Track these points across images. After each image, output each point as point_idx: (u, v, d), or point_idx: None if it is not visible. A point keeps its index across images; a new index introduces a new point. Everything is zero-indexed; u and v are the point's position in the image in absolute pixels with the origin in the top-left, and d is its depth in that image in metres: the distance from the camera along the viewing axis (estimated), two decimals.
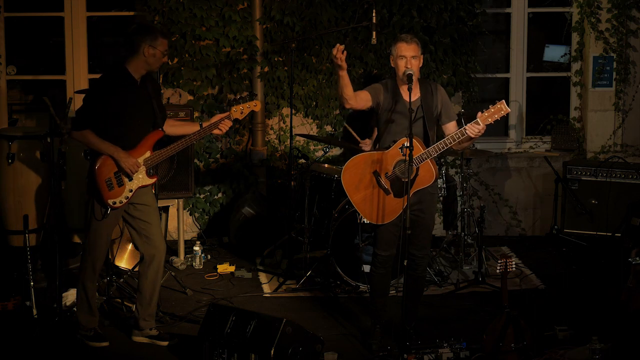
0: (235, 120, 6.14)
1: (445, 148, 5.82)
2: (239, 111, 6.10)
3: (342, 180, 6.02)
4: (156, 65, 5.95)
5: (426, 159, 5.85)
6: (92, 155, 5.93)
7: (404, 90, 5.91)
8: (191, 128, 6.09)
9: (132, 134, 5.94)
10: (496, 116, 5.71)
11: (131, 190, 5.95)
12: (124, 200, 5.93)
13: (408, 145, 5.67)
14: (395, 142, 5.92)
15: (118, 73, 5.91)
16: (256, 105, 6.15)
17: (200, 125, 6.07)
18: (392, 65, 6.00)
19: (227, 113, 6.10)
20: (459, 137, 5.79)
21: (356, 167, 6.00)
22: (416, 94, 5.95)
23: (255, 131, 8.57)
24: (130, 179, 5.93)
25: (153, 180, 6.04)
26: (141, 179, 5.98)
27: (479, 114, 5.74)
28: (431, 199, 6.07)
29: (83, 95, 6.01)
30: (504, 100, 5.70)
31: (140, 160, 5.93)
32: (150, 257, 6.11)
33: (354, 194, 6.00)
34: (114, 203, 5.91)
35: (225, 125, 6.07)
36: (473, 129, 5.75)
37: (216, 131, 6.08)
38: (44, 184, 6.89)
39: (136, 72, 5.92)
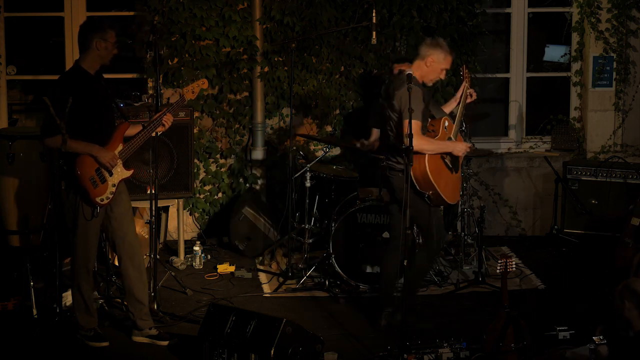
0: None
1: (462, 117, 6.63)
2: (190, 91, 6.28)
3: (429, 170, 6.17)
4: (108, 58, 6.03)
5: (458, 131, 6.44)
6: (69, 158, 5.92)
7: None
8: (134, 129, 6.12)
9: (102, 130, 6.00)
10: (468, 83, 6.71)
11: (114, 185, 5.99)
12: (110, 196, 5.97)
13: (408, 145, 5.77)
14: (433, 125, 6.35)
15: (74, 72, 5.99)
16: (204, 83, 6.38)
17: (143, 125, 6.12)
18: (428, 66, 6.25)
19: (163, 110, 6.15)
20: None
21: (432, 155, 6.22)
22: None
23: (255, 131, 8.56)
24: (111, 174, 5.97)
25: (130, 172, 6.09)
26: (120, 172, 6.02)
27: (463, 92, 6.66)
28: None
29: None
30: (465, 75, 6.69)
31: (115, 153, 5.98)
32: (128, 258, 6.12)
33: (439, 181, 6.21)
34: (102, 200, 5.94)
35: (168, 119, 6.13)
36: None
37: (160, 128, 6.14)
38: (44, 184, 6.89)
39: (91, 67, 5.99)
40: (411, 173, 6.09)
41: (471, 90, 6.65)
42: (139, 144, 6.08)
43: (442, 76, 6.37)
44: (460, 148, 6.34)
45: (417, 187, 6.20)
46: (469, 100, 6.64)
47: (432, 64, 6.26)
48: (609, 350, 5.40)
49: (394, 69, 7.75)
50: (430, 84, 6.38)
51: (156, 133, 6.26)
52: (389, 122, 6.30)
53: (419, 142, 6.05)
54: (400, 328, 5.84)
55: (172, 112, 6.18)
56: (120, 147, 6.02)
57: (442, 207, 6.87)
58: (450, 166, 6.36)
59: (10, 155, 6.82)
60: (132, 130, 6.10)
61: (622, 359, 5.30)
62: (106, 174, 5.96)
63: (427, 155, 6.18)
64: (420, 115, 6.16)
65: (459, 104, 6.61)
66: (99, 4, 8.71)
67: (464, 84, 6.65)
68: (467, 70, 6.72)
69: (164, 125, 6.12)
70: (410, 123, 5.85)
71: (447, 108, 6.67)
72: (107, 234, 6.18)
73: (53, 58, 8.97)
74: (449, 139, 6.38)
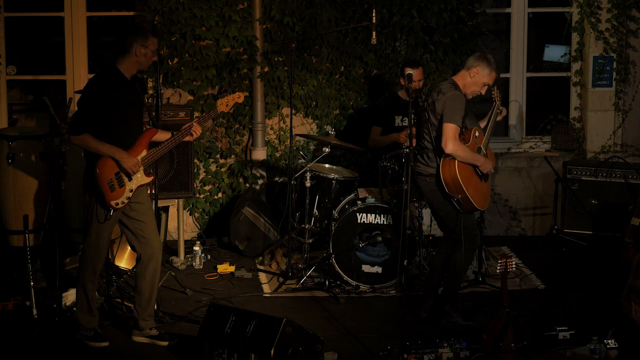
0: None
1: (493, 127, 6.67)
2: (224, 104, 6.19)
3: (459, 175, 6.25)
4: (147, 65, 6.00)
5: (487, 144, 6.49)
6: (91, 158, 5.93)
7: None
8: (163, 135, 6.12)
9: (129, 134, 5.96)
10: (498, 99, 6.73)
11: (131, 190, 5.96)
12: (126, 201, 5.94)
13: (407, 145, 5.79)
14: (464, 134, 6.41)
15: (110, 74, 5.93)
16: (240, 97, 6.26)
17: (172, 133, 6.10)
18: (471, 77, 6.39)
19: (195, 121, 6.12)
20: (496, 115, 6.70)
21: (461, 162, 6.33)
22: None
23: (255, 131, 8.57)
24: (130, 179, 5.94)
25: (151, 178, 6.06)
26: (140, 178, 5.99)
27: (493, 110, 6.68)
28: None
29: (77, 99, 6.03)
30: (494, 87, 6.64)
31: (139, 159, 5.95)
32: (147, 258, 6.11)
33: (468, 186, 6.28)
34: (117, 204, 5.92)
35: (197, 130, 6.08)
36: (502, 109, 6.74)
37: (187, 137, 6.09)
38: (44, 184, 6.89)
39: (127, 71, 5.94)
40: (442, 176, 6.26)
41: (502, 108, 6.74)
42: (163, 152, 6.05)
43: (483, 91, 6.46)
44: (487, 166, 6.44)
45: (446, 189, 6.27)
46: (499, 118, 6.72)
47: (475, 76, 6.38)
48: (619, 354, 5.40)
49: (405, 71, 7.71)
50: (469, 97, 6.45)
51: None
52: (427, 125, 6.37)
53: (455, 147, 6.21)
54: (401, 327, 5.85)
55: (201, 123, 6.12)
56: (144, 153, 5.98)
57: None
58: (480, 174, 6.44)
59: (10, 155, 6.82)
60: (159, 136, 6.09)
61: None
62: (125, 179, 5.94)
63: (457, 160, 6.27)
64: (460, 121, 6.28)
65: (489, 120, 6.68)
66: (99, 4, 8.72)
67: (495, 103, 6.69)
68: (498, 91, 6.74)
69: (192, 135, 6.08)
70: (409, 126, 5.87)
71: (481, 124, 6.73)
72: (127, 234, 6.15)
73: (53, 58, 8.97)
74: (479, 149, 6.45)
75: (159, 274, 6.23)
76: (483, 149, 6.48)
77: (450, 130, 6.22)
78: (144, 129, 6.10)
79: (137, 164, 5.93)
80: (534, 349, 5.84)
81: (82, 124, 5.83)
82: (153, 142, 6.06)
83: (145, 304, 6.18)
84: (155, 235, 6.14)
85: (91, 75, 8.46)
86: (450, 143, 6.19)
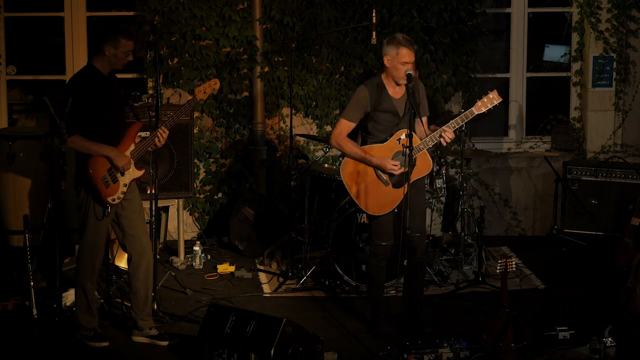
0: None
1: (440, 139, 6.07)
2: (202, 91, 6.34)
3: (342, 173, 6.21)
4: (119, 65, 6.04)
5: (423, 149, 6.10)
6: (81, 158, 5.95)
7: (391, 89, 6.16)
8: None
9: (116, 128, 6.03)
10: (489, 105, 6.05)
11: (125, 185, 6.01)
12: (121, 196, 5.99)
13: (407, 145, 5.77)
14: (392, 135, 6.14)
15: (88, 71, 6.01)
16: (216, 84, 6.43)
17: (150, 132, 6.17)
18: (387, 65, 6.11)
19: (170, 115, 6.21)
20: (455, 127, 6.05)
21: (356, 161, 6.19)
22: (402, 92, 6.15)
23: (255, 131, 8.57)
24: (122, 174, 5.99)
25: (142, 172, 6.12)
26: (131, 172, 6.06)
27: (477, 102, 6.10)
28: (422, 180, 6.34)
29: None
30: (495, 90, 6.08)
31: (127, 154, 6.01)
32: (138, 256, 6.13)
33: (353, 187, 6.19)
34: (113, 200, 5.95)
35: (163, 135, 6.10)
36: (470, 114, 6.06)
37: (152, 147, 6.14)
38: (44, 184, 6.89)
39: (103, 68, 6.02)
40: None
41: (448, 130, 6.01)
42: (147, 147, 6.10)
43: (411, 70, 6.00)
44: (386, 167, 6.07)
45: None
46: (448, 139, 6.04)
47: (389, 62, 6.08)
48: (617, 351, 5.41)
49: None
50: (402, 82, 6.02)
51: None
52: None
53: (333, 141, 6.21)
54: (402, 328, 5.85)
55: (185, 111, 6.25)
56: (132, 147, 6.04)
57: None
58: (384, 178, 6.17)
59: (10, 155, 6.82)
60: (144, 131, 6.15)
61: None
62: (118, 174, 5.98)
63: (346, 157, 6.23)
64: (356, 117, 6.15)
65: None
66: (99, 4, 8.71)
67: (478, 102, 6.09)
68: (495, 96, 6.04)
69: (155, 145, 6.09)
70: (410, 126, 5.86)
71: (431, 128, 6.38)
72: (117, 233, 6.17)
73: (53, 58, 8.97)
74: (397, 153, 6.09)
75: (152, 272, 6.23)
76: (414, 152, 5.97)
77: (338, 124, 6.21)
78: (128, 122, 6.16)
79: (129, 162, 6.00)
80: (534, 349, 5.84)
81: (71, 125, 5.82)
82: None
83: (142, 304, 6.18)
84: (144, 233, 6.17)
85: None
86: (332, 136, 6.21)
